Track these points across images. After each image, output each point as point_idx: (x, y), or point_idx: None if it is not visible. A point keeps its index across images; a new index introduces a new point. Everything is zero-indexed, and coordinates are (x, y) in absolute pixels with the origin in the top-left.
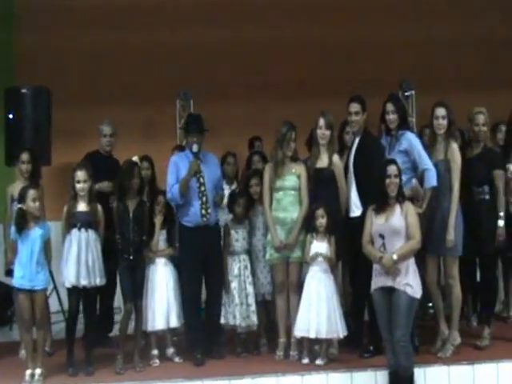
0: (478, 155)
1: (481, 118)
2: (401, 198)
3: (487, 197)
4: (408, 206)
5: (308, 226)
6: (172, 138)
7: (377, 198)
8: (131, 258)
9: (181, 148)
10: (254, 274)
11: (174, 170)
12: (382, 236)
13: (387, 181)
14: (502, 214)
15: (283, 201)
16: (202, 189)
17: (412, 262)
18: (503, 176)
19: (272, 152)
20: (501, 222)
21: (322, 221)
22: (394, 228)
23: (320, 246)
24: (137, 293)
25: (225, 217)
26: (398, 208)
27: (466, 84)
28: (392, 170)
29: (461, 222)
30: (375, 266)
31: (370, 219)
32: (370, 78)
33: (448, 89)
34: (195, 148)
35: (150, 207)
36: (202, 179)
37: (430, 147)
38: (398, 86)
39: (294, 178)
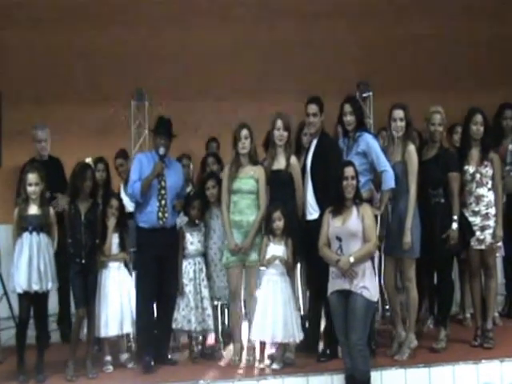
0: (433, 157)
1: (437, 118)
2: (358, 200)
3: (442, 200)
4: (365, 208)
5: (265, 228)
6: (127, 140)
7: (334, 201)
8: (83, 262)
9: (124, 154)
10: (209, 277)
11: (138, 167)
12: (338, 238)
13: (344, 183)
14: (455, 217)
15: (240, 203)
16: (163, 192)
17: (369, 264)
18: (458, 178)
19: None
20: (454, 225)
21: (278, 223)
22: (351, 230)
23: (277, 249)
24: (89, 298)
25: (180, 219)
26: (354, 210)
27: (424, 84)
28: (349, 171)
29: (418, 224)
30: (332, 269)
31: (326, 221)
32: (327, 79)
33: (405, 89)
34: (162, 151)
35: (102, 210)
36: (163, 182)
37: (387, 149)
38: (356, 87)
39: (251, 181)
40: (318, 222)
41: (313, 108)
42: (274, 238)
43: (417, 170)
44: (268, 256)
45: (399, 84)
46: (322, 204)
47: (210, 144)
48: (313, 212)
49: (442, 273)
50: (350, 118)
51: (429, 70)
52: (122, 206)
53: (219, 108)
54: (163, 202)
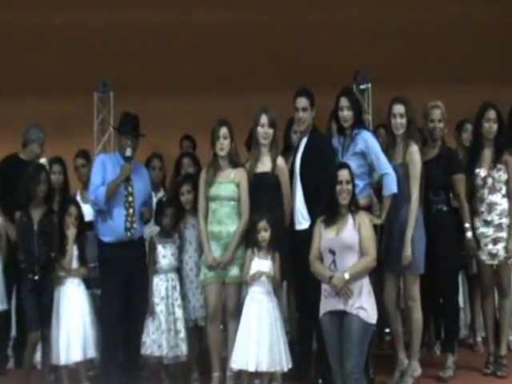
0: (434, 157)
1: (436, 113)
2: (353, 207)
3: (445, 208)
4: (362, 216)
5: (248, 240)
6: (88, 137)
7: (326, 208)
8: (36, 278)
9: (85, 154)
10: (184, 296)
11: (101, 169)
12: (332, 252)
13: (338, 188)
14: (467, 225)
15: (218, 212)
16: (130, 199)
17: (366, 282)
18: (464, 181)
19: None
20: (468, 234)
21: (264, 234)
22: (346, 242)
23: (262, 264)
24: (44, 319)
25: (150, 229)
26: (350, 219)
27: (430, 76)
28: (343, 175)
29: (422, 236)
30: (324, 287)
31: (318, 232)
32: (320, 69)
33: (408, 81)
34: (129, 152)
35: (59, 218)
36: (130, 188)
37: (387, 149)
38: (353, 78)
39: (231, 186)
40: (308, 233)
41: (302, 102)
42: (258, 251)
43: (420, 173)
44: (252, 272)
45: (401, 75)
46: (313, 212)
47: (184, 142)
48: (303, 221)
49: (446, 291)
50: (346, 114)
51: (435, 60)
52: (81, 214)
53: (195, 101)
54: (131, 210)
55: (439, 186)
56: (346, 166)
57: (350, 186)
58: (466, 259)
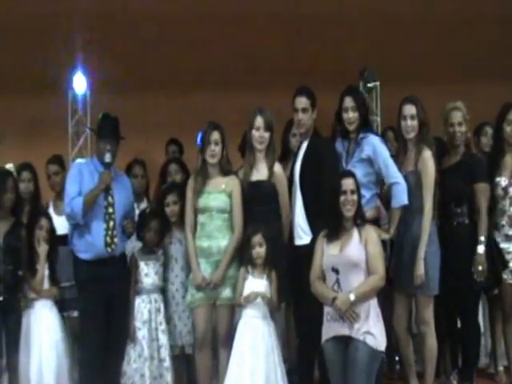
0: (454, 165)
1: (457, 116)
2: (359, 220)
3: (467, 220)
4: (369, 230)
5: (242, 257)
6: (62, 140)
7: (329, 221)
8: (1, 299)
9: (59, 160)
10: (169, 319)
11: (77, 178)
12: (335, 270)
13: (342, 198)
14: (482, 238)
15: (208, 225)
16: (110, 210)
17: (374, 303)
18: (486, 191)
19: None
20: (480, 249)
21: (259, 250)
22: (351, 260)
23: (257, 284)
24: (10, 346)
25: (132, 245)
26: (355, 234)
27: (444, 74)
28: (348, 184)
29: (436, 252)
30: (327, 310)
31: (320, 249)
32: (322, 66)
33: (421, 79)
34: (108, 158)
35: (28, 232)
36: (111, 198)
37: (396, 155)
38: (359, 75)
39: (223, 196)
40: (309, 249)
41: (302, 102)
42: (253, 269)
43: (433, 182)
44: (246, 293)
45: (413, 72)
46: (314, 225)
47: (170, 147)
48: (303, 235)
49: (466, 314)
50: (351, 115)
51: (450, 56)
52: (53, 228)
53: (182, 101)
54: (111, 223)
55: (461, 196)
56: (351, 174)
57: (355, 197)
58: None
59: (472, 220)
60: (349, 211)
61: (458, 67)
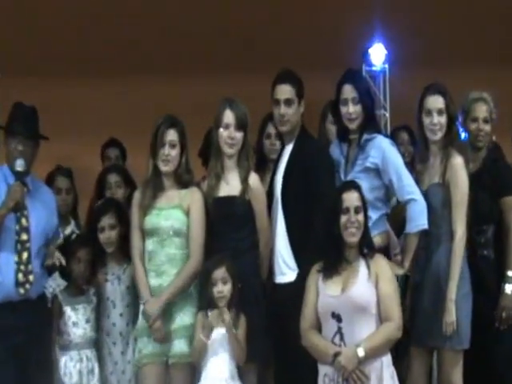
0: (475, 174)
1: (482, 110)
2: (367, 248)
3: (492, 254)
4: (380, 262)
5: (200, 297)
6: None
7: (326, 250)
8: None
9: None
10: (105, 382)
11: None
12: (336, 317)
13: (343, 219)
14: (510, 273)
15: (158, 255)
16: (24, 237)
17: (388, 361)
18: None
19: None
20: (507, 288)
21: (222, 289)
22: (358, 303)
23: (220, 334)
24: None
25: (54, 282)
26: (362, 267)
27: (468, 55)
28: (351, 199)
29: (469, 294)
30: (324, 370)
31: (314, 287)
32: (312, 45)
33: (441, 62)
34: (20, 165)
35: None
36: (25, 221)
37: (411, 163)
38: (361, 56)
39: (177, 213)
40: (294, 288)
41: (286, 91)
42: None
43: (466, 198)
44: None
45: (430, 54)
46: (301, 256)
47: (109, 151)
48: (286, 270)
49: (503, 375)
50: (352, 109)
51: (475, 34)
52: None
53: (125, 88)
54: (25, 254)
55: (484, 217)
56: (355, 185)
57: (360, 217)
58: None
59: (499, 251)
60: (353, 236)
61: (484, 47)
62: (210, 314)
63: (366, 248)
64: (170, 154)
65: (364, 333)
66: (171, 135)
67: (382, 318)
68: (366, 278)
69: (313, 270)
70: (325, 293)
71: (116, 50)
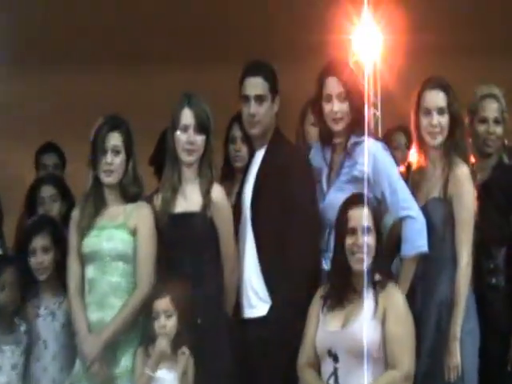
0: (484, 184)
1: (492, 109)
2: (379, 276)
3: (503, 281)
4: (393, 295)
5: (144, 331)
6: None
7: (331, 277)
8: None
9: None
10: None
11: None
12: (333, 356)
13: (349, 242)
14: None
15: (99, 284)
16: None
17: None
18: None
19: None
20: None
21: (165, 323)
22: (356, 342)
23: (164, 377)
24: None
25: None
26: (370, 300)
27: (476, 41)
28: (359, 217)
29: (475, 330)
30: None
31: (315, 317)
32: (287, 28)
33: (444, 48)
34: None
35: None
36: None
37: (406, 173)
38: (347, 43)
39: (122, 233)
40: (266, 324)
41: (256, 85)
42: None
43: (472, 216)
44: None
45: (432, 40)
46: (275, 285)
47: (44, 157)
48: (257, 302)
49: None
50: (337, 107)
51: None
52: None
53: (65, 78)
54: None
55: (493, 239)
56: (362, 198)
57: (370, 239)
58: None
59: (511, 279)
60: (360, 263)
61: (495, 31)
62: (150, 351)
63: (378, 275)
64: (113, 163)
65: (362, 379)
66: (114, 139)
67: (386, 364)
68: (370, 314)
69: (316, 295)
70: (324, 326)
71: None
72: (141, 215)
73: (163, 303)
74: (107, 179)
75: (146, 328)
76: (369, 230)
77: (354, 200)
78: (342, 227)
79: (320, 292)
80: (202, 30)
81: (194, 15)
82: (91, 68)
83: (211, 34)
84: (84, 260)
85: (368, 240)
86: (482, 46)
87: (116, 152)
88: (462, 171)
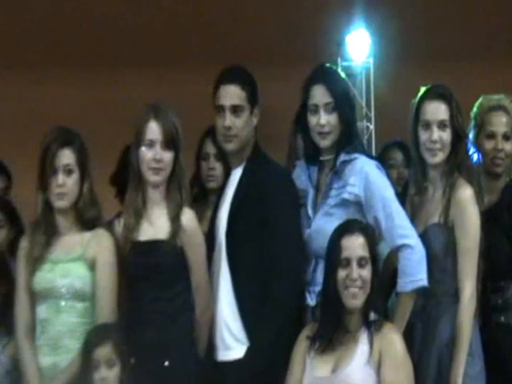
0: (492, 210)
1: (500, 123)
2: (374, 315)
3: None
4: (389, 338)
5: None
6: None
7: (321, 315)
8: None
9: None
10: None
11: None
12: None
13: (341, 275)
14: None
15: (53, 325)
16: None
17: None
18: None
19: None
20: None
21: (106, 374)
22: None
23: None
24: None
25: None
26: (363, 341)
27: (476, 46)
28: (354, 247)
29: (481, 373)
30: None
31: (300, 359)
32: (270, 33)
33: (440, 55)
34: None
35: None
36: None
37: (402, 194)
38: (335, 47)
39: (79, 267)
40: (243, 368)
41: (232, 94)
42: None
43: (477, 245)
44: None
45: (429, 45)
46: (254, 325)
47: None
48: (232, 344)
49: None
50: (324, 120)
51: (488, 20)
52: None
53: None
54: None
55: (502, 270)
56: (361, 227)
57: (366, 272)
58: None
59: None
60: (354, 298)
61: (498, 37)
62: None
63: (373, 313)
64: (65, 184)
65: None
66: (65, 157)
67: None
68: (364, 359)
69: (301, 336)
70: (311, 372)
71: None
72: (101, 245)
73: (104, 351)
74: (59, 203)
75: (84, 380)
76: (365, 261)
77: (348, 227)
78: (334, 258)
79: (306, 332)
80: (175, 31)
81: (167, 14)
82: (39, 75)
83: (184, 36)
84: (35, 298)
85: (364, 273)
86: (493, 49)
87: (68, 171)
88: (466, 194)
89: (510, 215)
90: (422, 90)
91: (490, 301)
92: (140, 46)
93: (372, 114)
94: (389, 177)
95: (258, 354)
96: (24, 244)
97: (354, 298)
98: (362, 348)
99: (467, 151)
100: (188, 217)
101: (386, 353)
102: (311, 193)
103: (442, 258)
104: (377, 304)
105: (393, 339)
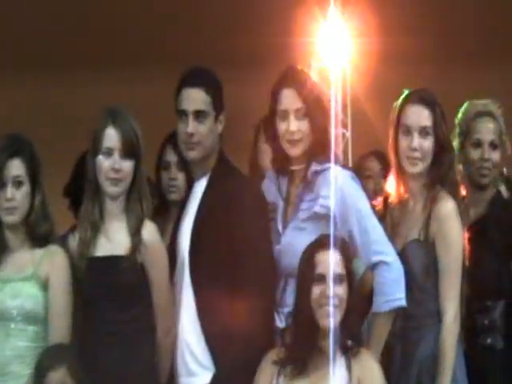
0: (478, 225)
1: (487, 130)
2: (351, 338)
3: (501, 341)
4: (367, 365)
5: None
6: None
7: (293, 337)
8: None
9: None
10: None
11: None
12: None
13: (315, 291)
14: None
15: (2, 349)
16: None
17: None
18: None
19: None
20: None
21: None
22: None
23: None
24: None
25: None
26: (341, 366)
27: (463, 49)
28: (326, 261)
29: None
30: None
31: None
32: (233, 32)
33: (426, 57)
34: None
35: None
36: None
37: (389, 208)
38: (309, 47)
39: (30, 287)
40: None
41: (195, 98)
42: None
43: (460, 262)
44: None
45: (414, 43)
46: (220, 349)
47: None
48: (197, 369)
49: None
50: (294, 127)
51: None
52: None
53: None
54: None
55: (489, 289)
56: (336, 241)
57: (341, 290)
58: None
59: (510, 338)
60: (329, 317)
61: (486, 39)
62: None
63: (350, 336)
64: (14, 198)
65: None
66: (15, 168)
67: None
68: (345, 381)
69: (264, 362)
70: None
71: None
72: (53, 263)
73: (58, 376)
74: (8, 218)
75: None
76: (341, 278)
77: (323, 242)
78: (308, 274)
79: (271, 357)
80: (138, 30)
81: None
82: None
83: (145, 34)
84: None
85: (340, 291)
86: (479, 52)
87: (18, 184)
88: (448, 207)
89: (498, 230)
90: (405, 93)
91: (476, 322)
92: (92, 44)
93: (348, 121)
94: (365, 189)
95: (224, 380)
96: None
97: (329, 317)
98: (340, 373)
99: (451, 163)
100: (149, 230)
101: (366, 377)
102: (281, 206)
103: (422, 277)
104: (353, 325)
105: (372, 367)
